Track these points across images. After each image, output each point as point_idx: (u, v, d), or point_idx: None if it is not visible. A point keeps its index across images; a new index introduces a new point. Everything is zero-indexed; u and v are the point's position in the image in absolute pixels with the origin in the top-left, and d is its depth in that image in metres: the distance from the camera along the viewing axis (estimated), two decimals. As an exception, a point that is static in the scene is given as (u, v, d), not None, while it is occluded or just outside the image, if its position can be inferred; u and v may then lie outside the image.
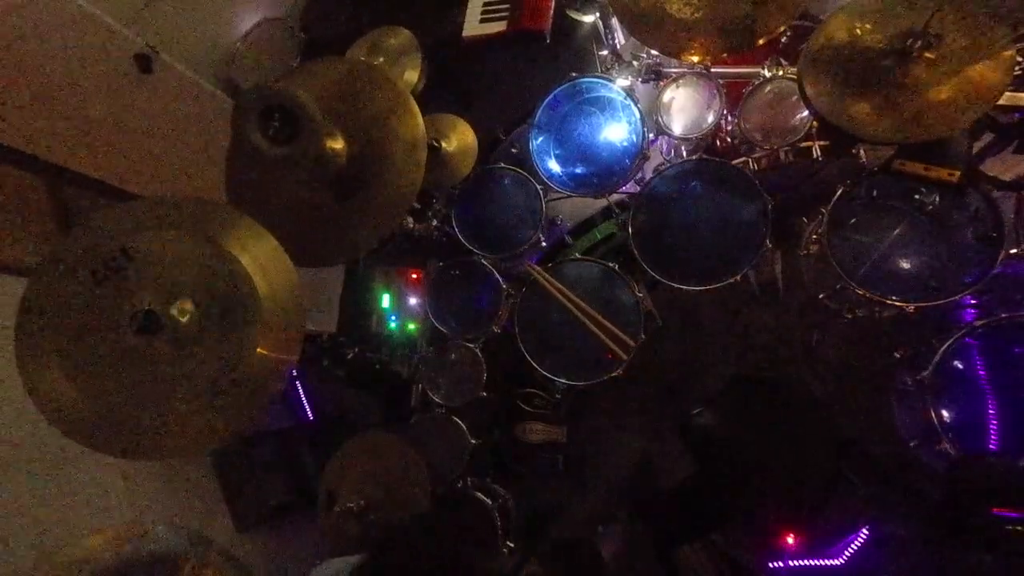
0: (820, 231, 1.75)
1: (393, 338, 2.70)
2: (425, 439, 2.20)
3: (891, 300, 1.63)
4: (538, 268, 2.10)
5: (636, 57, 2.07)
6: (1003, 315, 1.65)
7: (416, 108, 1.48)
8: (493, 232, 2.15)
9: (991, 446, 1.65)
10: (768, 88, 1.92)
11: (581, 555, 1.83)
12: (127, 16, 2.04)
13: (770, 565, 2.05)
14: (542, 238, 2.13)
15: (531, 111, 2.06)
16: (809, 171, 2.03)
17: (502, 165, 2.16)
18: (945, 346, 1.68)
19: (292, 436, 2.70)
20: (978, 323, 1.68)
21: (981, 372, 1.71)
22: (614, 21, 2.18)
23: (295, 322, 1.16)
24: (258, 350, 1.09)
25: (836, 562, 2.06)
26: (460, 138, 2.06)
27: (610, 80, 1.99)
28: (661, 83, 2.05)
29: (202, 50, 2.50)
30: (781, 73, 1.89)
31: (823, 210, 1.75)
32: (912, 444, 1.82)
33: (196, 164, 2.32)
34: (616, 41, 2.19)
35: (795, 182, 2.09)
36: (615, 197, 2.09)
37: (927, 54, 1.38)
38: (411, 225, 2.15)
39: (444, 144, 2.01)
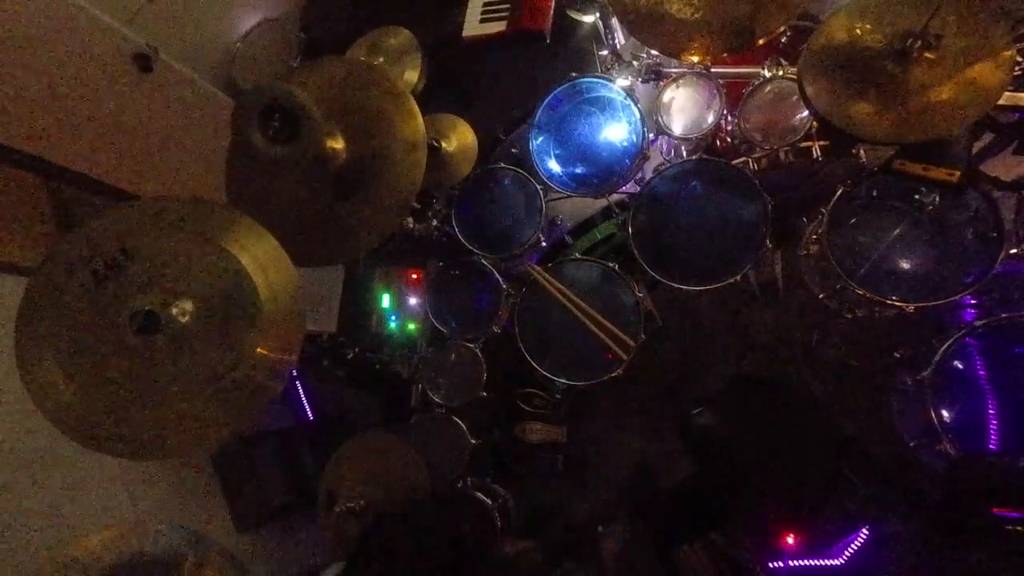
0: (820, 231, 1.75)
1: (393, 338, 2.69)
2: (425, 439, 2.20)
3: (891, 300, 1.63)
4: (538, 268, 2.10)
5: (636, 57, 2.07)
6: (1003, 315, 1.65)
7: (416, 108, 1.48)
8: (493, 232, 2.15)
9: (991, 446, 1.65)
10: (768, 88, 1.91)
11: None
12: (127, 16, 2.04)
13: (770, 565, 2.04)
14: (542, 238, 2.13)
15: (531, 111, 2.05)
16: (809, 171, 2.03)
17: (502, 165, 2.16)
18: (945, 346, 1.68)
19: (292, 436, 2.69)
20: (978, 323, 1.68)
21: (981, 372, 1.71)
22: (614, 21, 2.17)
23: (295, 322, 1.16)
24: (258, 350, 1.09)
25: (836, 562, 2.06)
26: (460, 138, 2.06)
27: (610, 80, 1.99)
28: (661, 83, 2.04)
29: (202, 50, 2.50)
30: (781, 73, 1.89)
31: (823, 210, 1.75)
32: (912, 444, 1.83)
33: (196, 164, 2.32)
34: (616, 41, 2.18)
35: (795, 182, 2.09)
36: (615, 197, 2.09)
37: (927, 54, 1.38)
38: (411, 225, 2.14)
39: (444, 144, 2.01)
